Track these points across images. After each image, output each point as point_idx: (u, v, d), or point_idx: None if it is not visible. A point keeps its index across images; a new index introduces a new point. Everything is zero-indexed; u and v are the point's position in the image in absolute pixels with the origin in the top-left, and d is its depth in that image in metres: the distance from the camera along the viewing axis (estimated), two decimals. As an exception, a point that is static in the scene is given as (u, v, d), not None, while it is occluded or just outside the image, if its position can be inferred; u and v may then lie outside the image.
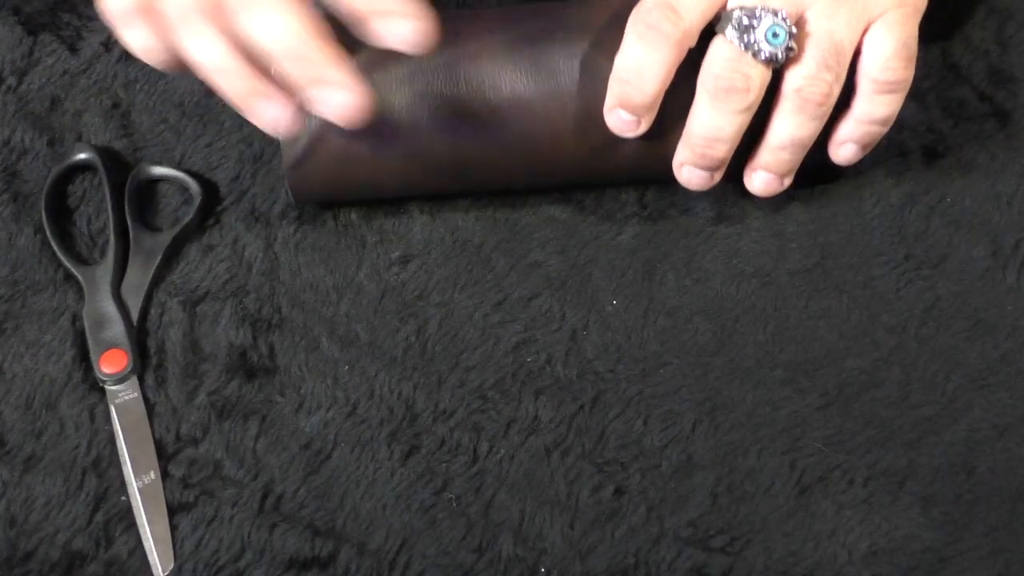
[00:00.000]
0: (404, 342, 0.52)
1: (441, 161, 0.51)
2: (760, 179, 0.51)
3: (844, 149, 0.51)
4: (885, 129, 0.50)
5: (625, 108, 0.48)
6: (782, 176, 0.51)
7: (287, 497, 0.49)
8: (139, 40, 0.44)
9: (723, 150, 0.49)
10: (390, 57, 0.46)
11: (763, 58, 0.47)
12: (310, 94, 0.42)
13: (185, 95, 0.58)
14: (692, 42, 0.48)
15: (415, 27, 0.42)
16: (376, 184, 0.52)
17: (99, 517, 0.49)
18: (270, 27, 0.41)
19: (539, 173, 0.52)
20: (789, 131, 0.49)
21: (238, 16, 0.42)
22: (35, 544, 0.48)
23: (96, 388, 0.51)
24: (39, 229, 0.55)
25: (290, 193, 0.52)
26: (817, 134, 0.49)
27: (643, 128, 0.49)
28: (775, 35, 0.46)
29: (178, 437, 0.50)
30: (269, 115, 0.43)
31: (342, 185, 0.52)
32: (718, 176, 0.50)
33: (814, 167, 0.52)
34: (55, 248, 0.54)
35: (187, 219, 0.54)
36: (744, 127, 0.48)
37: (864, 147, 0.51)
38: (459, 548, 0.48)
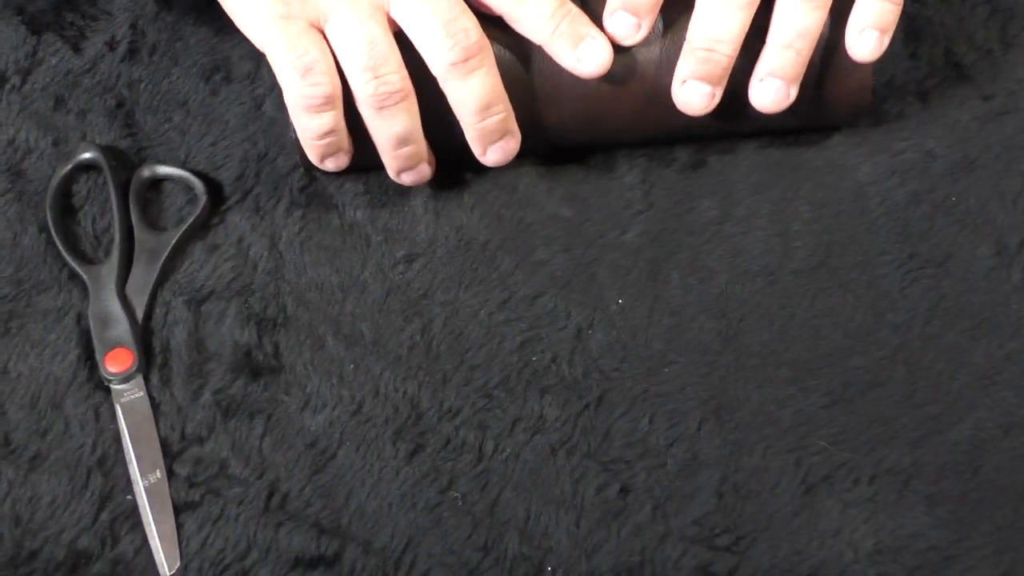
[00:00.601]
0: (409, 341, 0.52)
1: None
2: (768, 88, 0.50)
3: (865, 38, 0.49)
4: (899, 6, 0.49)
5: (627, 8, 0.49)
6: (788, 82, 0.50)
7: (293, 496, 0.49)
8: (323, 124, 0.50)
9: (726, 53, 0.49)
10: None
11: None
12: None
13: (189, 94, 0.58)
14: None
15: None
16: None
17: (104, 516, 0.49)
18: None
19: (536, 113, 0.52)
20: (794, 23, 0.48)
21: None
22: (40, 543, 0.48)
23: (101, 387, 0.51)
24: (44, 228, 0.55)
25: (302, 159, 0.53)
26: (821, 25, 0.49)
27: (643, 32, 0.49)
28: None
29: (183, 436, 0.50)
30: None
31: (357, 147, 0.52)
32: (718, 94, 0.50)
33: (817, 124, 0.52)
34: (60, 247, 0.54)
35: (192, 218, 0.54)
36: (747, 27, 0.48)
37: (884, 31, 0.49)
38: (464, 547, 0.48)
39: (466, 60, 0.48)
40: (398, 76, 0.48)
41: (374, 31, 0.48)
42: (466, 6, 0.48)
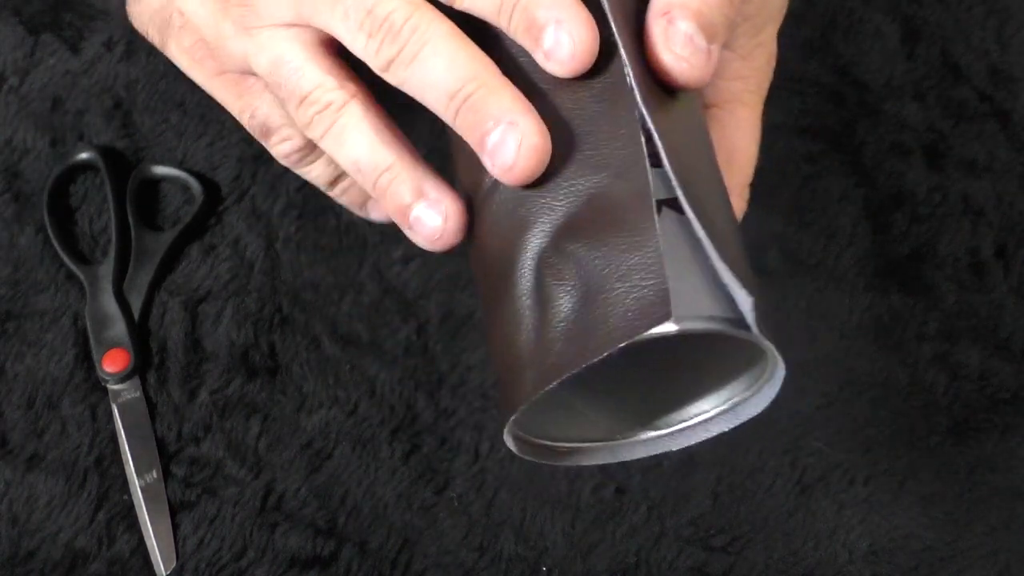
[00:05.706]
0: (405, 341, 0.52)
1: None
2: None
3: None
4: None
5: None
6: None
7: (289, 496, 0.49)
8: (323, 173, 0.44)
9: None
10: None
11: None
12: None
13: (186, 95, 0.58)
14: None
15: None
16: None
17: (101, 516, 0.49)
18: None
19: None
20: None
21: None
22: (37, 543, 0.48)
23: (98, 387, 0.52)
24: (41, 229, 0.55)
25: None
26: None
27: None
28: None
29: (180, 436, 0.50)
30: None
31: None
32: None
33: None
34: (57, 248, 0.54)
35: (189, 218, 0.54)
36: None
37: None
38: (460, 547, 0.48)
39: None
40: (325, 90, 0.39)
41: (286, 52, 0.39)
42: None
